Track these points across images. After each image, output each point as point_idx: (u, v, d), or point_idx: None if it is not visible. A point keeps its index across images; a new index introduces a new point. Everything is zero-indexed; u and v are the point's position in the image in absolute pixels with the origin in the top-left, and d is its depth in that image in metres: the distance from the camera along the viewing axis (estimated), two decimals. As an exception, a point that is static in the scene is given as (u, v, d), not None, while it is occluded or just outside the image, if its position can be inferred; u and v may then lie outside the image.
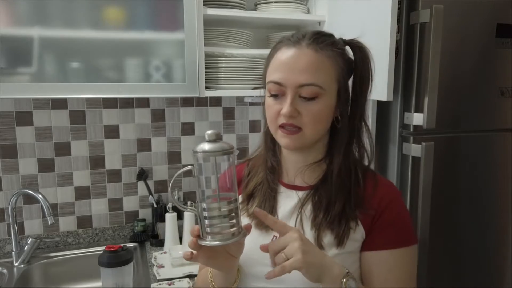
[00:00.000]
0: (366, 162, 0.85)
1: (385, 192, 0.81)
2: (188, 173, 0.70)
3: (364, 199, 0.80)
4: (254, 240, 0.80)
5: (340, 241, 0.77)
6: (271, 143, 0.87)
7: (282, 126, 0.77)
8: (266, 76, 0.81)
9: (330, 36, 0.80)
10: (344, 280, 0.69)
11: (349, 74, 0.80)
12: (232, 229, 0.69)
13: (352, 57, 0.81)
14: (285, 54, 0.77)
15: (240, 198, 0.89)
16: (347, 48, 0.81)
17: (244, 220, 0.85)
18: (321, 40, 0.77)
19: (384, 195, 0.80)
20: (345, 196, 0.79)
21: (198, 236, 0.70)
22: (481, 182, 1.42)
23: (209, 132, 0.68)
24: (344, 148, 0.81)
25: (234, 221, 0.70)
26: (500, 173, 1.44)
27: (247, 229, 0.73)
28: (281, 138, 0.79)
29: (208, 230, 0.69)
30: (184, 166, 1.77)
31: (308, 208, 0.82)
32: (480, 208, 1.42)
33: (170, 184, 0.75)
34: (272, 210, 0.84)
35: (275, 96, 0.78)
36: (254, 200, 0.87)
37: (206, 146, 0.68)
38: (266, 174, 0.87)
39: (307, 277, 0.68)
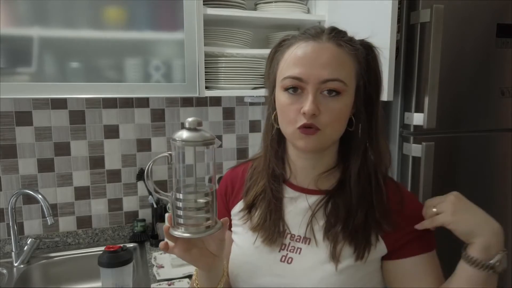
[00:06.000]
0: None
1: (412, 209, 0.77)
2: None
3: (390, 213, 0.75)
4: (262, 253, 0.79)
5: (359, 255, 0.73)
6: (276, 146, 0.81)
7: (300, 127, 0.71)
8: (276, 74, 0.75)
9: (346, 33, 0.77)
10: (499, 256, 0.69)
11: (365, 73, 0.76)
12: (207, 222, 0.66)
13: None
14: (304, 48, 0.71)
15: (241, 205, 0.85)
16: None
17: (248, 233, 0.81)
18: (342, 35, 0.74)
19: (411, 213, 0.76)
20: (367, 206, 0.74)
21: (172, 225, 0.67)
22: (481, 182, 1.42)
23: (190, 119, 0.64)
24: (362, 152, 0.76)
25: (209, 214, 0.66)
26: (500, 173, 1.44)
27: (224, 223, 0.69)
28: (299, 140, 0.72)
29: (181, 221, 0.66)
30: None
31: (320, 215, 0.77)
32: (480, 207, 1.42)
33: (147, 169, 0.69)
34: (279, 221, 0.79)
35: (291, 93, 0.71)
36: (256, 210, 0.82)
37: (185, 134, 0.64)
38: (269, 183, 0.81)
39: (456, 234, 0.71)
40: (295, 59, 0.72)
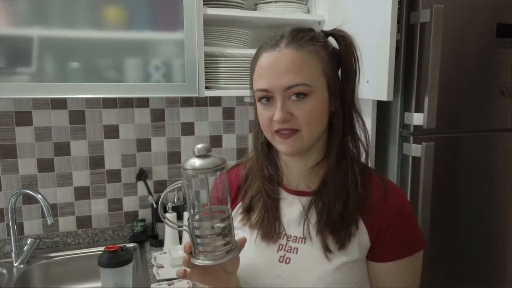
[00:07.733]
0: (362, 158, 0.82)
1: (394, 201, 0.77)
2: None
3: (367, 201, 0.76)
4: (261, 252, 0.79)
5: (342, 245, 0.75)
6: (266, 149, 0.83)
7: (277, 131, 0.74)
8: (252, 82, 0.78)
9: (310, 30, 0.77)
10: None
11: (337, 65, 0.76)
12: (226, 247, 0.67)
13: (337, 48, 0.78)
14: (266, 59, 0.74)
15: (240, 207, 0.86)
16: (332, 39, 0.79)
17: (247, 234, 0.82)
18: (300, 36, 0.74)
19: (393, 204, 0.77)
20: (344, 197, 0.76)
21: (191, 253, 0.68)
22: (481, 182, 1.42)
23: (199, 146, 0.64)
24: (339, 143, 0.77)
25: (228, 238, 0.67)
26: (500, 173, 1.44)
27: (242, 243, 0.71)
28: (279, 144, 0.75)
29: (200, 248, 0.67)
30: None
31: (314, 215, 0.79)
32: (480, 208, 1.42)
33: (160, 200, 0.74)
34: (276, 220, 0.80)
35: (264, 103, 0.75)
36: (253, 211, 0.83)
37: (196, 162, 0.64)
38: (263, 184, 0.82)
39: None
40: (260, 71, 0.75)
